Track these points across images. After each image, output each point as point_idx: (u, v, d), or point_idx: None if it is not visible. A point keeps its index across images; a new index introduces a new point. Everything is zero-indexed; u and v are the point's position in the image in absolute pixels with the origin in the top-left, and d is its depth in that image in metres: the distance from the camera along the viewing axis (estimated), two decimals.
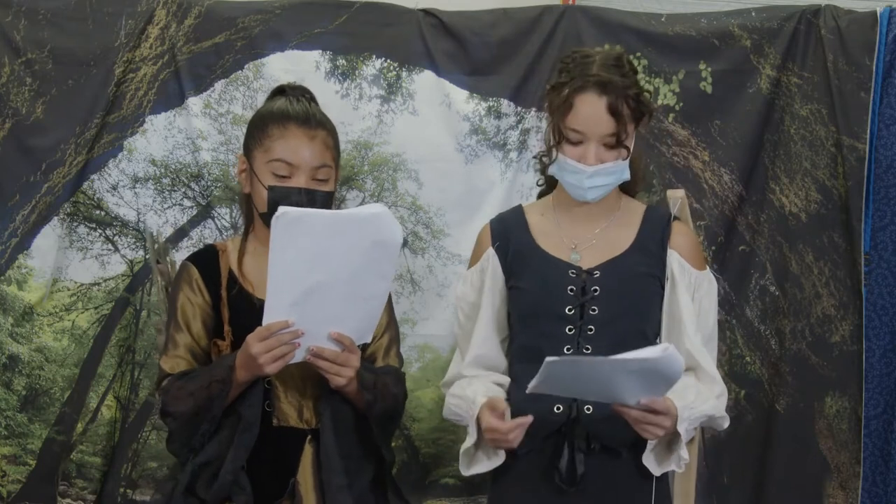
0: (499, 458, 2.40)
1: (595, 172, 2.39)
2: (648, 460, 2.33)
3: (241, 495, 2.30)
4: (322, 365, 2.27)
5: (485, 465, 2.42)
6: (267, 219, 2.40)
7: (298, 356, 2.26)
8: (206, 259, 2.44)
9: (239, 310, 2.38)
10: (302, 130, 2.39)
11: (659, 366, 2.13)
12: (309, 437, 2.37)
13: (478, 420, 2.37)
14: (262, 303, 2.35)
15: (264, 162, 2.38)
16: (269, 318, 2.22)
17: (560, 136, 2.43)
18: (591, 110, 2.38)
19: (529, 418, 2.29)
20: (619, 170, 2.42)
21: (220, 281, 2.40)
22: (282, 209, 2.17)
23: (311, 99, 2.49)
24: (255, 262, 2.43)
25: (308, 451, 2.37)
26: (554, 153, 2.45)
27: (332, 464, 2.33)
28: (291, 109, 2.41)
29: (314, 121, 2.42)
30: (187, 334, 2.38)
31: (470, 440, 2.41)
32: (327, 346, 2.27)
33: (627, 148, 2.41)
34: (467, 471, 2.43)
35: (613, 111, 2.37)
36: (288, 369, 2.33)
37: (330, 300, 2.23)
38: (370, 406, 2.37)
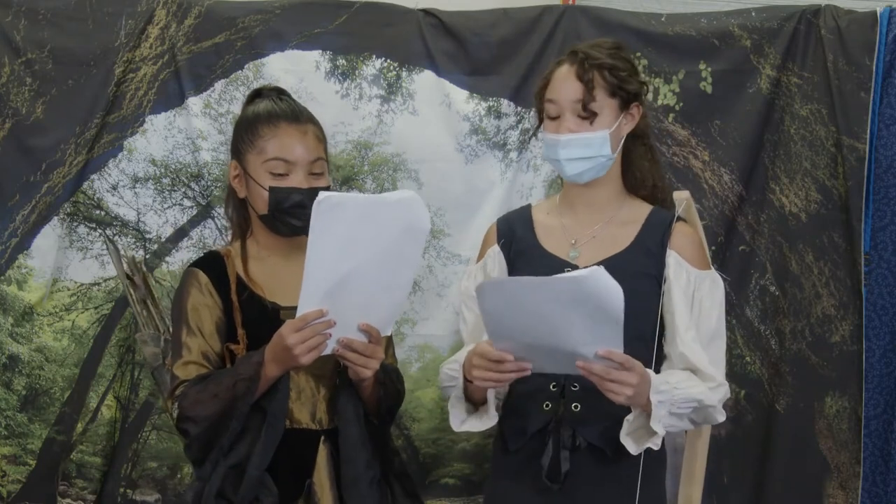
0: (490, 419, 2.38)
1: (568, 142, 2.41)
2: (626, 440, 2.32)
3: (269, 496, 2.29)
4: (351, 357, 2.26)
5: (477, 423, 2.39)
6: (269, 220, 2.40)
7: (328, 348, 2.24)
8: (213, 264, 2.43)
9: (251, 314, 2.37)
10: (293, 127, 2.40)
11: (588, 288, 2.09)
12: (322, 437, 2.37)
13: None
14: (273, 306, 2.35)
15: (260, 163, 2.38)
16: (304, 307, 2.19)
17: (543, 115, 2.46)
18: (562, 78, 2.43)
19: (528, 365, 2.24)
20: (595, 142, 2.42)
21: (230, 286, 2.38)
22: (323, 194, 2.15)
23: (290, 97, 2.50)
24: (260, 266, 2.43)
25: (323, 452, 2.36)
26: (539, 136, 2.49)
27: (360, 459, 2.32)
28: (279, 108, 2.42)
29: (303, 116, 2.43)
30: (200, 338, 2.36)
31: (457, 390, 2.39)
32: (356, 337, 2.26)
33: (595, 113, 2.42)
34: (459, 426, 2.41)
35: (580, 77, 2.40)
36: (302, 371, 2.32)
37: (360, 288, 2.22)
38: (381, 401, 2.37)
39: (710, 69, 3.63)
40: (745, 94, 3.62)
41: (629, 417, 2.31)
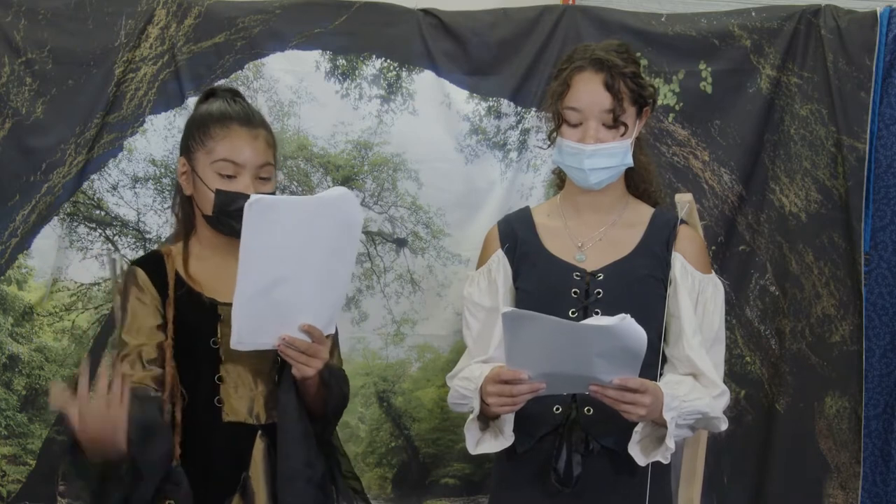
0: (506, 439, 2.37)
1: (594, 152, 2.39)
2: (634, 450, 2.32)
3: (178, 491, 2.31)
4: (293, 355, 2.28)
5: (492, 444, 2.40)
6: (212, 221, 2.41)
7: (269, 342, 2.26)
8: (152, 263, 2.45)
9: (187, 309, 2.38)
10: (245, 130, 2.41)
11: (617, 335, 2.11)
12: (259, 432, 2.38)
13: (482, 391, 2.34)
14: (211, 301, 2.36)
15: (208, 163, 2.40)
16: (238, 310, 2.22)
17: (559, 120, 2.43)
18: (587, 87, 2.39)
19: (542, 385, 2.26)
20: (620, 152, 2.41)
21: (168, 282, 2.40)
22: (255, 196, 2.19)
23: (244, 99, 2.51)
24: (201, 264, 2.44)
25: (259, 446, 2.37)
26: (554, 139, 2.46)
27: (298, 455, 2.33)
28: (232, 110, 2.44)
29: (255, 120, 2.45)
30: (141, 336, 2.37)
31: (473, 414, 2.39)
32: (298, 336, 2.28)
33: (626, 125, 2.40)
34: (475, 449, 2.41)
35: (609, 87, 2.38)
36: (239, 365, 2.35)
37: (299, 288, 2.24)
38: (326, 402, 2.38)
39: (710, 69, 3.63)
40: (745, 94, 3.62)
41: (637, 429, 2.31)
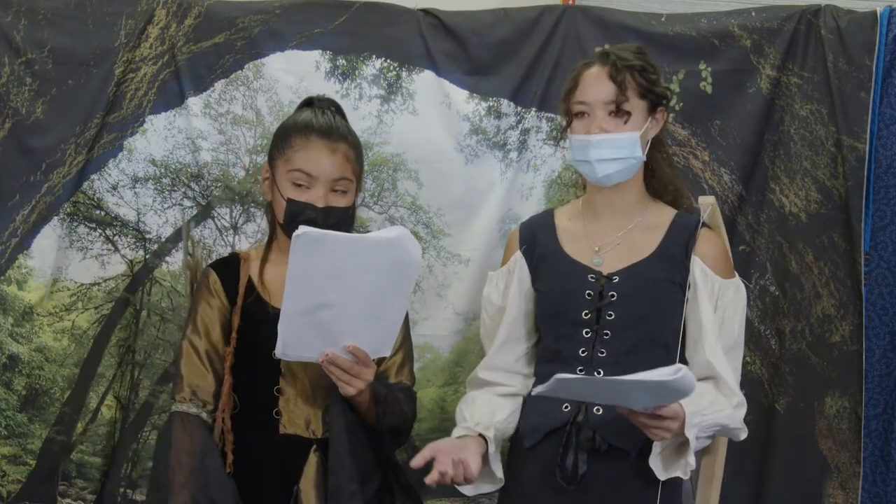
0: (496, 483, 2.45)
1: (600, 142, 2.40)
2: (655, 463, 2.32)
3: (228, 500, 2.34)
4: (335, 372, 2.31)
5: (484, 487, 2.47)
6: (285, 229, 2.44)
7: (313, 356, 2.29)
8: (227, 266, 2.50)
9: (252, 318, 2.41)
10: (323, 142, 2.43)
11: (670, 387, 2.13)
12: (314, 446, 2.39)
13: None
14: (276, 312, 2.37)
15: (285, 172, 2.43)
16: (283, 324, 2.27)
17: (570, 117, 2.45)
18: (592, 79, 2.43)
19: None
20: (627, 143, 2.41)
21: (238, 289, 2.43)
22: (302, 229, 2.22)
23: (338, 111, 2.53)
24: (276, 270, 2.47)
25: (313, 460, 2.39)
26: (566, 139, 2.48)
27: (344, 469, 2.34)
28: (315, 121, 2.46)
29: (336, 134, 2.45)
30: (206, 340, 2.42)
31: None
32: (342, 356, 2.30)
33: (629, 112, 2.41)
34: (472, 491, 2.46)
35: (613, 77, 2.39)
36: (299, 378, 2.36)
37: (347, 315, 2.29)
38: (379, 419, 2.39)
39: (710, 69, 3.63)
40: (745, 94, 3.62)
41: (657, 442, 2.32)
